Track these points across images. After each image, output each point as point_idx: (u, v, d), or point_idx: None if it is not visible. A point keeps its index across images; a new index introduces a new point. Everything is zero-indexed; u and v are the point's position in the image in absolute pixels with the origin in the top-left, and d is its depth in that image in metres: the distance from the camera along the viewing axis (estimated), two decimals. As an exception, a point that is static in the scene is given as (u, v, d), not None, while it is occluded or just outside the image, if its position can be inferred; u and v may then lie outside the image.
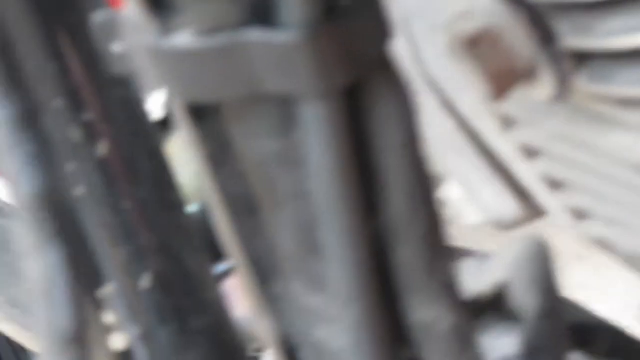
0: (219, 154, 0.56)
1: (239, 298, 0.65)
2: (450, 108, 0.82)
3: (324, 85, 0.49)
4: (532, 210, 0.84)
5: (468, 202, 0.86)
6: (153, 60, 0.51)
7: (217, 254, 0.69)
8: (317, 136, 0.50)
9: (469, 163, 0.84)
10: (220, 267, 0.82)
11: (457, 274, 0.58)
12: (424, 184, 0.54)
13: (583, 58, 0.69)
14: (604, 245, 0.83)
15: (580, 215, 0.82)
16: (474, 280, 0.75)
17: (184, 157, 0.59)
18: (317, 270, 0.54)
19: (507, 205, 0.83)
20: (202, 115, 0.54)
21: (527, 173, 0.82)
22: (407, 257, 0.54)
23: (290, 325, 0.59)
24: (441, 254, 0.55)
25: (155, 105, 0.88)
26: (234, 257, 0.59)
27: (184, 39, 0.50)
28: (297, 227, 0.55)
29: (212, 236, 0.62)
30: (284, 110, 0.51)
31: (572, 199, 0.81)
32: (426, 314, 0.54)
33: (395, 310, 0.55)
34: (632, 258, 0.82)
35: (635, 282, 0.88)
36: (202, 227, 0.72)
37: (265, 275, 0.58)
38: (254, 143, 0.54)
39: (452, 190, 0.88)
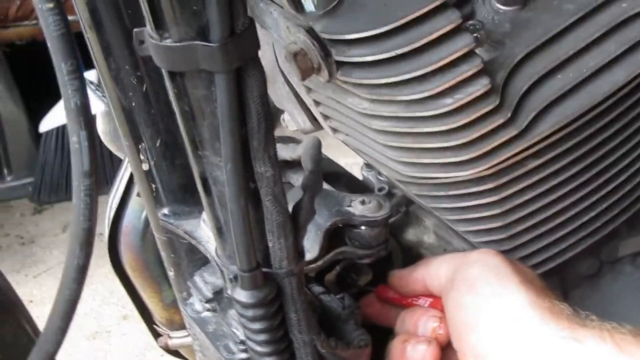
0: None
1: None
2: (285, 77, 0.82)
3: (227, 68, 0.57)
4: (318, 125, 0.85)
5: (291, 120, 0.89)
6: (155, 51, 0.58)
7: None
8: (221, 89, 0.58)
9: (292, 102, 0.85)
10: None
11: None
12: (267, 118, 0.60)
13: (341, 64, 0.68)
14: (345, 143, 0.84)
15: (335, 130, 0.83)
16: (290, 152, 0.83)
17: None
18: (219, 148, 0.61)
19: (306, 122, 0.86)
20: (174, 78, 0.61)
21: (313, 106, 0.82)
22: (255, 144, 0.61)
23: (204, 171, 0.66)
24: (271, 142, 0.61)
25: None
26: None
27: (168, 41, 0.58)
28: (212, 132, 0.62)
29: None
30: (209, 77, 0.58)
31: (332, 123, 0.82)
32: (261, 169, 0.62)
33: (249, 166, 0.62)
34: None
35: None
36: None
37: (197, 147, 0.64)
38: (197, 92, 0.60)
39: (285, 116, 0.90)
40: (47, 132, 3.32)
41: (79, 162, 0.49)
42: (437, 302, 0.76)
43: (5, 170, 3.02)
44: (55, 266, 2.90)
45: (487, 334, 0.69)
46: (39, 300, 2.61)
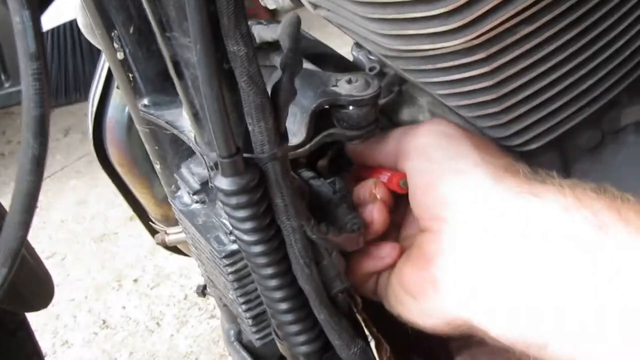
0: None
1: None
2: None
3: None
4: (298, 2, 0.80)
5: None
6: None
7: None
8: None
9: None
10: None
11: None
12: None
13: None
14: (327, 19, 0.78)
15: (315, 6, 0.78)
16: (271, 32, 0.82)
17: None
18: (187, 27, 0.58)
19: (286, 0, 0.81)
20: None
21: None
22: (225, 21, 0.58)
23: (175, 54, 0.64)
24: (242, 19, 0.58)
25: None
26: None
27: None
28: (179, 10, 0.60)
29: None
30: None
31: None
32: (234, 48, 0.59)
33: (220, 45, 0.60)
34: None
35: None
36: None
37: (164, 28, 0.63)
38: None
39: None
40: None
41: (24, 44, 0.46)
42: (394, 175, 0.76)
43: (2, 77, 2.97)
44: (58, 171, 2.91)
45: (441, 194, 0.69)
46: (45, 205, 2.61)
